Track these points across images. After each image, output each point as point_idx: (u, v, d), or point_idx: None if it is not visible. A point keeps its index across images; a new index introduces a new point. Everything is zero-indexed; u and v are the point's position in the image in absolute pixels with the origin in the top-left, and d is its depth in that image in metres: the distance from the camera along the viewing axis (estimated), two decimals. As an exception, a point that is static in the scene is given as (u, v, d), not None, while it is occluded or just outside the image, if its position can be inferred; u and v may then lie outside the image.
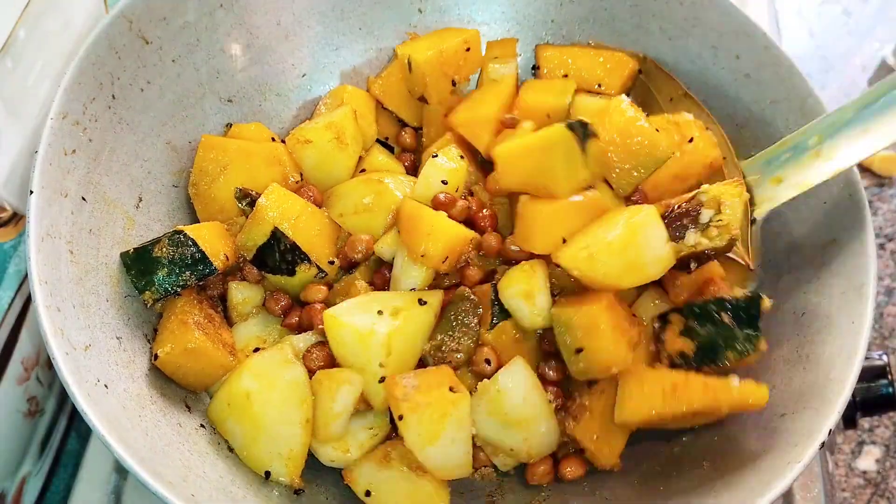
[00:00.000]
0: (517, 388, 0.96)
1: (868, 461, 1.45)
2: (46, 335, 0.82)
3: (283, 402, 0.94)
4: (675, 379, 0.92)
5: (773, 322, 1.02)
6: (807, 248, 1.04)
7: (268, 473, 0.94)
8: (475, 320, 1.01)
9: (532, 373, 0.98)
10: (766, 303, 0.94)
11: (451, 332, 1.01)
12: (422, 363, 1.01)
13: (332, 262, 1.07)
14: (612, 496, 0.96)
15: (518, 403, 0.96)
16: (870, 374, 1.16)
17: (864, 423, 1.47)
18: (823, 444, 0.84)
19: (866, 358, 1.15)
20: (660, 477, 0.96)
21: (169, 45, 1.10)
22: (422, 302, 0.99)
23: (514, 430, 0.97)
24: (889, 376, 1.15)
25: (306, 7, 1.23)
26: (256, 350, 1.03)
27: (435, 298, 1.01)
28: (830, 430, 0.85)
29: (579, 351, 0.94)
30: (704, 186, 0.99)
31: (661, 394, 0.92)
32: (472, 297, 1.02)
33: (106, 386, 0.86)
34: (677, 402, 0.92)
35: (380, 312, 0.95)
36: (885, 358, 1.17)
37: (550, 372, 1.00)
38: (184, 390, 0.98)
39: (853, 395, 1.13)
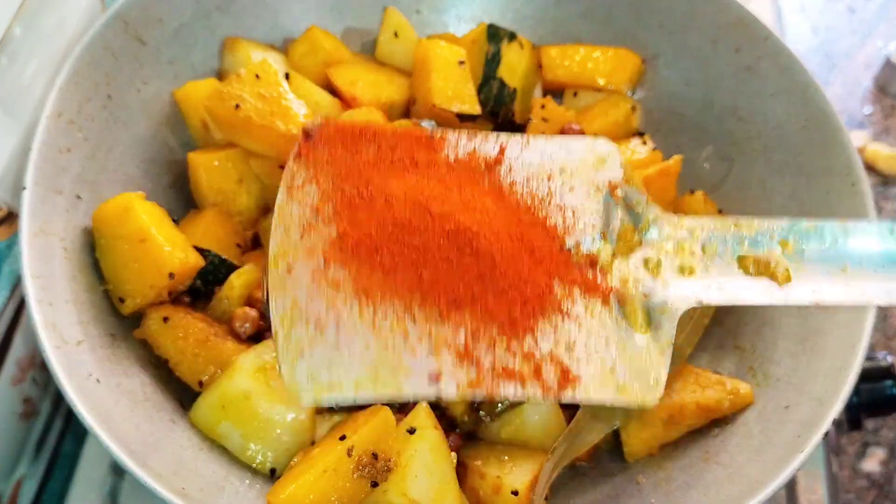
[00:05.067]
0: None
1: (873, 463, 1.43)
2: (37, 328, 0.81)
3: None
4: (670, 410, 0.95)
5: (778, 314, 1.02)
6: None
7: (273, 471, 0.91)
8: None
9: None
10: None
11: None
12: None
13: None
14: (613, 489, 0.95)
15: None
16: (874, 374, 1.15)
17: (869, 424, 1.45)
18: (827, 434, 0.83)
19: (871, 359, 1.15)
20: (661, 468, 0.95)
21: (165, 47, 1.10)
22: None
23: None
24: (894, 377, 1.14)
25: (303, 9, 1.22)
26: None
27: None
28: (834, 419, 0.83)
29: None
30: None
31: (661, 425, 0.96)
32: None
33: (98, 380, 0.85)
34: (676, 428, 0.96)
35: None
36: (889, 359, 1.16)
37: None
38: (179, 388, 0.96)
39: (858, 396, 1.13)
